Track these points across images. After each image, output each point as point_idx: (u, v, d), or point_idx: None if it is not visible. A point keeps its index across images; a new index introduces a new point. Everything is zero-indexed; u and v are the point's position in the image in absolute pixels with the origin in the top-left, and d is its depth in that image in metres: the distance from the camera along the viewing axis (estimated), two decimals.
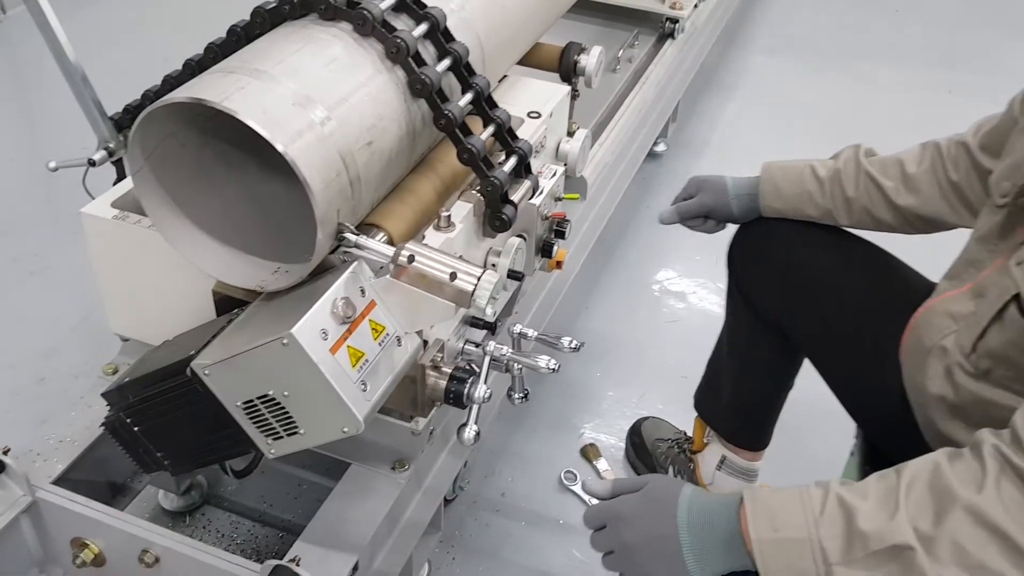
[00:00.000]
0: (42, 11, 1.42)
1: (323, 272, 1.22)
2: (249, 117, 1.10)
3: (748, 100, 3.65)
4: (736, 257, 1.73)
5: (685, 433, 2.08)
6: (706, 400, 1.93)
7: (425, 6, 1.38)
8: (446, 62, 1.37)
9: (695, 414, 1.95)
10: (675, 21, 2.99)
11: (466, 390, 1.31)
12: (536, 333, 1.50)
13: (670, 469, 2.02)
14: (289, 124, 1.13)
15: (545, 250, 1.65)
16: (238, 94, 1.12)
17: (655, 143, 3.03)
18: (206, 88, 1.14)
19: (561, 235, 1.67)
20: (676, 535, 1.07)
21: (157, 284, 1.45)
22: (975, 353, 1.22)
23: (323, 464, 1.67)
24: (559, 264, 1.71)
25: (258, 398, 1.16)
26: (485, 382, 1.33)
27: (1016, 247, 1.22)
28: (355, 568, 1.35)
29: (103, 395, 1.34)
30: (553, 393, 2.31)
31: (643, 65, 2.87)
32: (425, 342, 1.31)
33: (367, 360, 1.17)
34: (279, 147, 1.10)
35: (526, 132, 1.61)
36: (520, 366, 1.42)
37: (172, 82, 1.46)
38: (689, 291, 2.68)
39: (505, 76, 1.79)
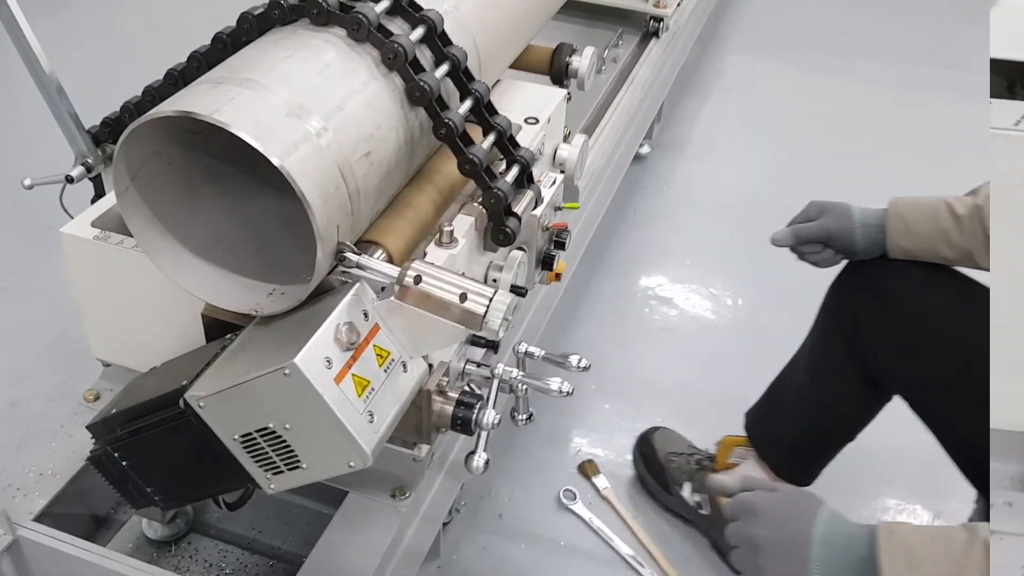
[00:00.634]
0: (13, 17, 1.33)
1: (321, 294, 1.15)
2: (241, 129, 1.02)
3: (726, 99, 3.59)
4: (848, 297, 1.62)
5: (696, 448, 2.00)
6: (762, 424, 1.83)
7: (421, 8, 1.31)
8: (444, 67, 1.31)
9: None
10: (659, 20, 2.93)
11: (474, 416, 1.24)
12: (543, 352, 1.43)
13: (686, 485, 1.91)
14: (284, 135, 1.06)
15: (546, 262, 1.58)
16: (228, 105, 1.05)
17: (640, 145, 2.97)
18: (195, 100, 1.06)
19: (561, 246, 1.60)
20: (808, 545, 1.06)
21: (142, 307, 1.37)
22: None
23: (314, 488, 1.57)
24: (558, 276, 1.64)
25: (257, 431, 1.08)
26: (494, 407, 1.26)
27: None
28: None
29: (88, 427, 1.26)
30: (546, 406, 2.21)
31: (628, 65, 2.81)
32: (430, 365, 1.24)
33: (373, 388, 1.10)
34: (275, 160, 1.02)
35: (525, 139, 1.54)
36: (526, 387, 1.35)
37: (153, 93, 1.38)
38: (681, 297, 2.61)
39: (498, 80, 1.72)
